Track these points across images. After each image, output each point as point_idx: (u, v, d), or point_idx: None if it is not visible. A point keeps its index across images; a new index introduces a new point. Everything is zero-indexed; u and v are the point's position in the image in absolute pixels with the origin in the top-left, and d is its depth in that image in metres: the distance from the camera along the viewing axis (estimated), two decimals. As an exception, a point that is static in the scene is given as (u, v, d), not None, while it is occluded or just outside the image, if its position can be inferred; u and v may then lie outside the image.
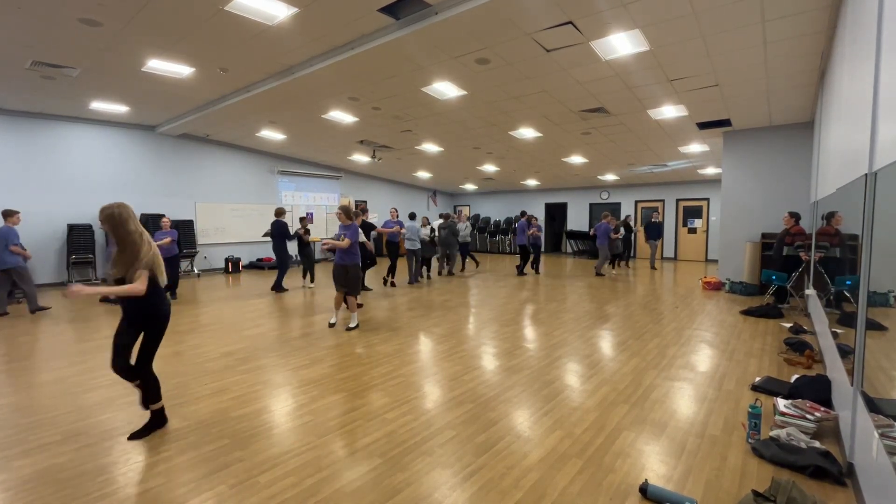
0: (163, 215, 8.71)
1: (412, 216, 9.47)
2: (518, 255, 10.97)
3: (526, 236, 10.48)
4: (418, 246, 9.04)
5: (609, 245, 10.33)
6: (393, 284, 8.68)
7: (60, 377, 3.72)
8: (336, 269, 5.26)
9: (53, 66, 5.94)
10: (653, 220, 12.32)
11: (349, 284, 5.23)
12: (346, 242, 5.10)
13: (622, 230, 11.55)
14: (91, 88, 7.01)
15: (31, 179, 8.49)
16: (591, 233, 10.79)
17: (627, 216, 14.39)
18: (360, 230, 6.07)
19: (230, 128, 9.70)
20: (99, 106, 8.01)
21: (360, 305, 6.54)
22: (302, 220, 8.94)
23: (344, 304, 5.37)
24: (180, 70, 6.13)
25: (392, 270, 8.73)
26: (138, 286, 2.49)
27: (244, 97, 7.07)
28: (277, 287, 8.16)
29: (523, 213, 10.94)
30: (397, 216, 9.00)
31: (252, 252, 12.13)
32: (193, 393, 3.38)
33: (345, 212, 5.32)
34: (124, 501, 2.07)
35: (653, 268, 12.01)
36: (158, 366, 4.01)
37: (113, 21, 4.67)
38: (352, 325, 5.29)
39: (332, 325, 5.42)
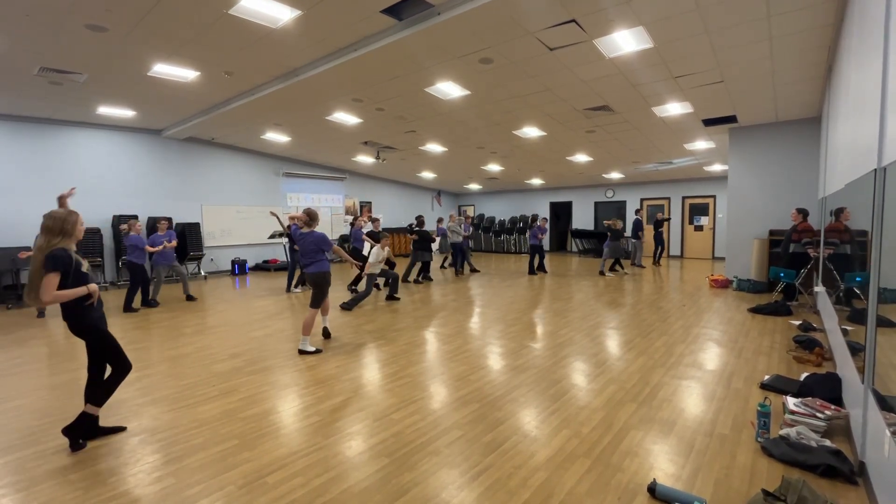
0: (169, 218, 8.76)
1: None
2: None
3: (536, 237, 10.78)
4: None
5: (616, 246, 10.35)
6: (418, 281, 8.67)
7: (73, 379, 3.77)
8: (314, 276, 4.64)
9: (61, 72, 6.01)
10: (637, 216, 12.16)
11: (316, 296, 4.60)
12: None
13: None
14: (98, 93, 7.08)
15: (40, 184, 8.58)
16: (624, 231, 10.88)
17: (659, 213, 14.06)
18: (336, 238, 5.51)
19: (235, 130, 9.76)
20: (106, 111, 8.09)
21: (346, 308, 6.48)
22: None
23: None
24: (185, 74, 6.17)
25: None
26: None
27: (249, 100, 7.11)
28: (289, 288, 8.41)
29: (535, 218, 11.16)
30: (369, 218, 9.16)
31: (258, 254, 12.20)
32: (202, 394, 3.41)
33: (310, 216, 4.65)
34: (135, 502, 2.09)
35: (633, 264, 11.86)
36: (167, 367, 4.07)
37: (119, 26, 4.71)
38: (324, 325, 4.95)
39: (325, 329, 5.05)
